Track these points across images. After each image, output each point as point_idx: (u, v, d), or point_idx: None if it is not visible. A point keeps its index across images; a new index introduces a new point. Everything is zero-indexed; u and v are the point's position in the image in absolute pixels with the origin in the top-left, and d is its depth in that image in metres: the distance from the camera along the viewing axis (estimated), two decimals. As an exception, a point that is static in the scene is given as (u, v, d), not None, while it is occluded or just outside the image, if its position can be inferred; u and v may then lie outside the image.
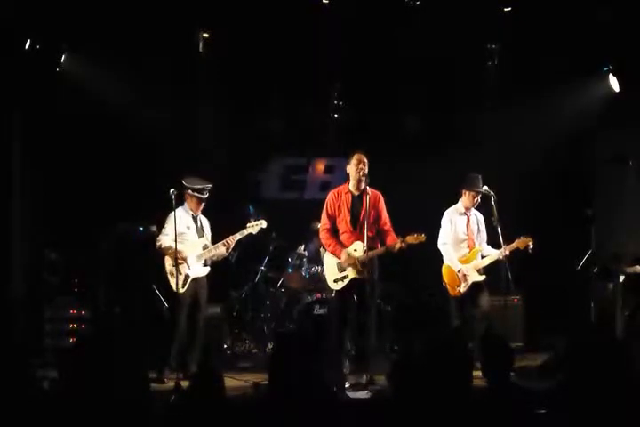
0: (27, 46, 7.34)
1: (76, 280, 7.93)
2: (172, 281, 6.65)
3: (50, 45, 7.60)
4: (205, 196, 6.83)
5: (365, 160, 6.55)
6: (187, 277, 6.68)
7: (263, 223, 6.91)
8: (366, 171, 6.53)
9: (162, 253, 6.74)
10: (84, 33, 7.69)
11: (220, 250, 6.84)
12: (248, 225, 6.86)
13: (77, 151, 8.16)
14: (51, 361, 6.11)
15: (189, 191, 6.80)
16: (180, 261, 6.63)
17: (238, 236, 6.83)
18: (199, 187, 6.79)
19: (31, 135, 7.75)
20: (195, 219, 6.87)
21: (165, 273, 6.74)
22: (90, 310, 7.63)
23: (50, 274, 7.77)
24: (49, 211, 7.98)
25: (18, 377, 3.06)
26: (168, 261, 6.73)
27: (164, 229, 6.79)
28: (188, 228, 6.80)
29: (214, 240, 6.92)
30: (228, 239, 6.79)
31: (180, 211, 6.79)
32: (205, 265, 6.86)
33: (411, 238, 6.37)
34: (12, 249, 7.64)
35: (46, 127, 7.88)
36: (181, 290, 6.59)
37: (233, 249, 6.97)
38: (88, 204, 8.08)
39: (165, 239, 6.73)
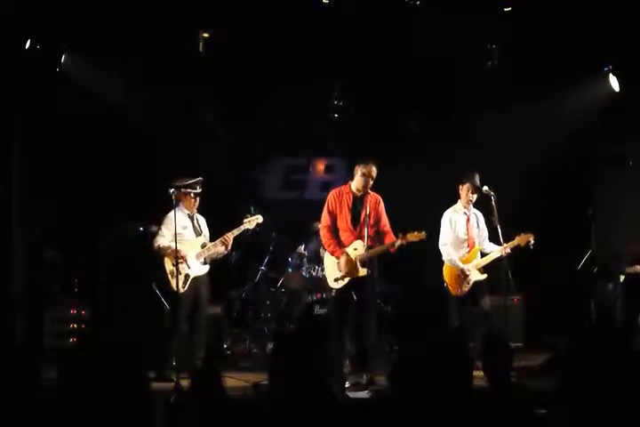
0: (27, 46, 7.34)
1: (76, 280, 7.93)
2: (173, 281, 6.66)
3: (50, 45, 7.59)
4: (199, 190, 6.82)
5: (374, 174, 6.55)
6: (187, 276, 6.70)
7: (259, 218, 6.94)
8: (372, 183, 6.54)
9: (161, 253, 6.76)
10: (84, 33, 7.69)
11: (219, 248, 6.86)
12: (245, 221, 6.89)
13: (77, 151, 8.16)
14: (51, 361, 6.10)
15: (183, 190, 6.78)
16: (180, 261, 6.65)
17: (236, 232, 6.86)
18: (191, 182, 6.78)
19: (31, 135, 7.75)
20: (191, 218, 6.89)
21: (166, 274, 6.74)
22: (90, 310, 7.63)
23: (50, 274, 7.77)
24: (49, 211, 7.98)
25: (19, 377, 3.06)
26: (168, 262, 6.74)
27: (160, 231, 6.83)
28: (185, 227, 6.80)
29: (213, 239, 6.94)
30: (225, 236, 6.81)
31: (176, 212, 6.83)
32: (205, 264, 6.88)
33: (411, 236, 6.38)
34: (12, 249, 7.64)
35: (46, 127, 7.88)
36: (182, 290, 6.61)
37: (232, 247, 6.98)
38: (88, 204, 8.08)
39: (162, 240, 6.76)
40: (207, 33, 8.04)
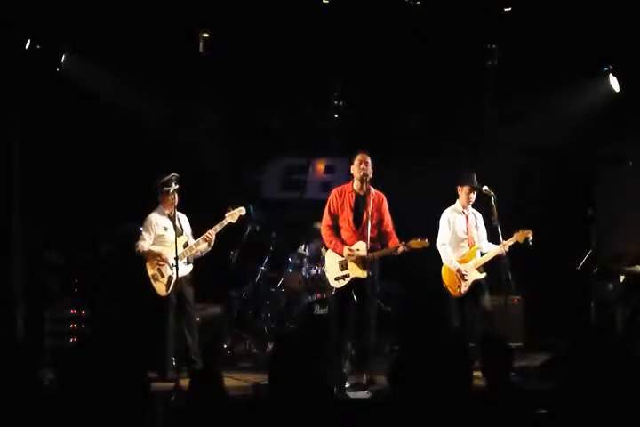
0: (27, 46, 7.34)
1: (76, 280, 7.93)
2: (156, 285, 6.75)
3: (50, 45, 7.60)
4: (176, 186, 6.73)
5: (368, 160, 6.57)
6: (170, 278, 6.68)
7: (242, 210, 6.88)
8: (368, 171, 6.54)
9: (144, 257, 6.82)
10: (84, 33, 7.69)
11: (202, 245, 6.83)
12: (227, 214, 6.81)
13: (77, 151, 8.16)
14: (51, 361, 6.09)
15: (161, 189, 6.76)
16: (162, 263, 6.67)
17: (218, 228, 6.79)
18: (165, 179, 6.73)
19: (31, 135, 7.75)
20: (171, 218, 6.75)
21: (148, 278, 6.78)
22: (90, 310, 7.63)
23: (50, 274, 7.77)
24: (49, 211, 7.98)
25: (19, 378, 3.06)
26: (149, 266, 6.80)
27: (141, 235, 6.86)
28: (166, 229, 6.78)
29: (199, 235, 6.91)
30: (207, 233, 6.76)
31: (154, 215, 6.84)
32: (188, 263, 6.86)
33: (414, 243, 6.40)
34: (12, 249, 7.64)
35: (46, 127, 7.87)
36: (166, 293, 6.61)
37: (232, 247, 6.97)
38: (88, 204, 8.09)
39: (143, 244, 6.81)
40: (207, 33, 8.05)
